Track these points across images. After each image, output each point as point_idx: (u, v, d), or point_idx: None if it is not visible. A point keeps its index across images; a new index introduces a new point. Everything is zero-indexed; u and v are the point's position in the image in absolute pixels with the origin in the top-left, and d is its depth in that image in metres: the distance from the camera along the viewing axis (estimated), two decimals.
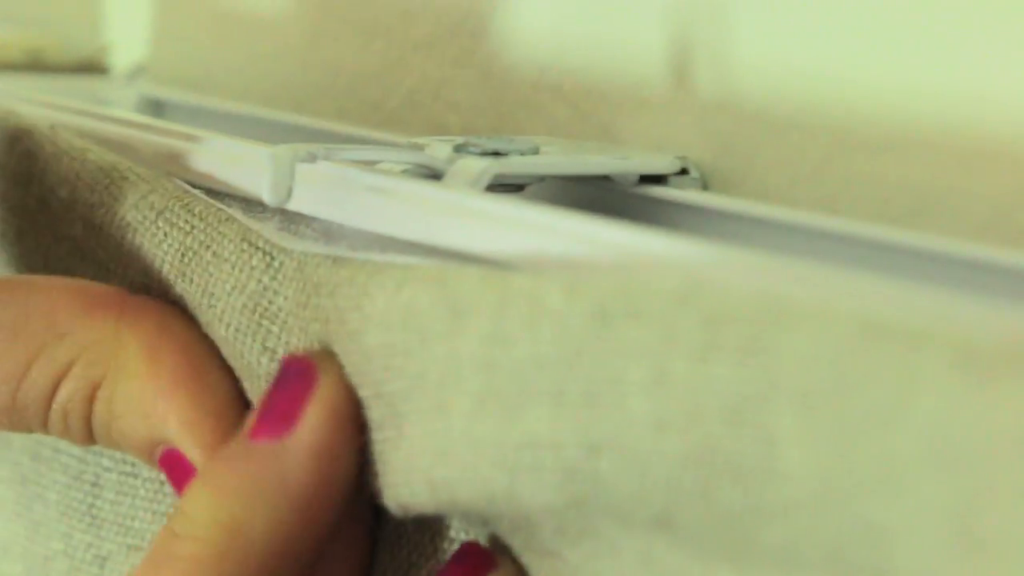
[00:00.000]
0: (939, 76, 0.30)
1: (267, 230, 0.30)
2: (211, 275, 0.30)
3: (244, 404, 0.30)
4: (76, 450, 0.34)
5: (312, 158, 0.29)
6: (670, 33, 0.34)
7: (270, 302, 0.29)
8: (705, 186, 0.33)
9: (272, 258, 0.29)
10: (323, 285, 0.29)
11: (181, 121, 0.41)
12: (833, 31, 0.32)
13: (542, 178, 0.32)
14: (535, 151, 0.31)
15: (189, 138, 0.34)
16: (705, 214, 0.31)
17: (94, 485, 0.34)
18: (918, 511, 0.20)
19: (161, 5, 0.49)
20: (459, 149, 0.31)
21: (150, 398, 0.30)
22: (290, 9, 0.45)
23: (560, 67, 0.37)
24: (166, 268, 0.31)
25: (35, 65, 0.49)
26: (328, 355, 0.28)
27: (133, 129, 0.36)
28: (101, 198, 0.32)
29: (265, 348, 0.29)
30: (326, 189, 0.30)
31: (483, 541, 0.28)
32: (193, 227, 0.31)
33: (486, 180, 0.30)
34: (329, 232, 0.30)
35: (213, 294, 0.30)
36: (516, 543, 0.27)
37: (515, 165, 0.31)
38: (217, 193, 0.32)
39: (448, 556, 0.28)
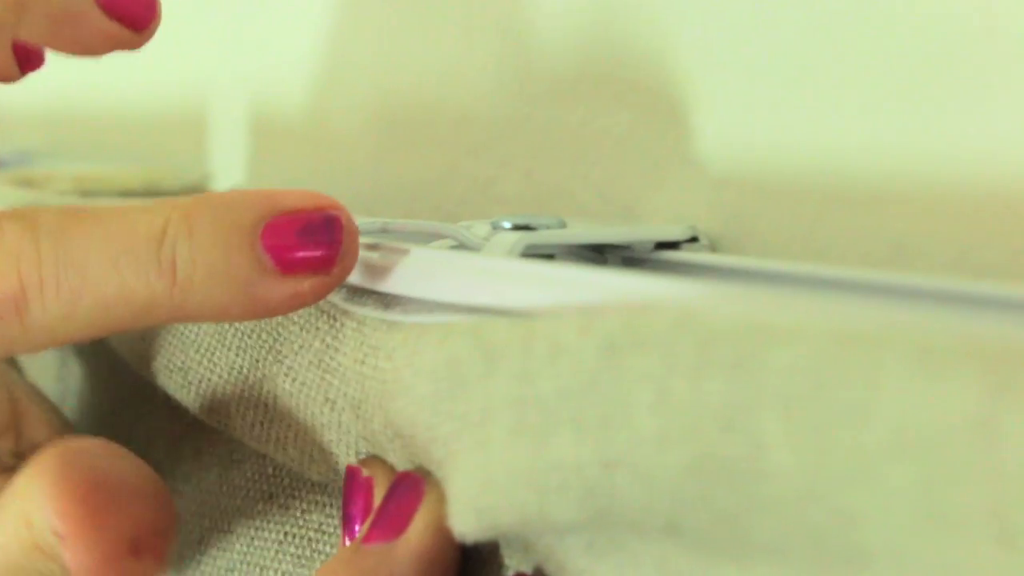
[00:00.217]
0: (905, 141, 0.30)
1: (332, 297, 0.30)
2: (279, 335, 0.30)
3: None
4: None
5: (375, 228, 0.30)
6: (679, 121, 0.34)
7: (331, 358, 0.30)
8: (713, 250, 0.33)
9: (335, 320, 0.30)
10: (380, 348, 0.29)
11: None
12: (817, 110, 0.32)
13: (568, 248, 0.32)
14: (562, 225, 0.32)
15: None
16: (710, 270, 0.31)
17: None
18: (888, 496, 0.20)
19: (253, 138, 0.50)
20: (495, 226, 0.31)
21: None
22: (360, 130, 0.45)
23: (587, 159, 0.37)
24: (240, 324, 0.31)
25: (152, 191, 0.50)
26: (432, 474, 0.27)
27: None
28: None
29: (327, 399, 0.30)
30: (387, 266, 0.30)
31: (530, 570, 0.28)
32: None
33: (518, 250, 0.30)
34: (386, 301, 0.30)
35: (281, 351, 0.30)
36: (552, 567, 0.27)
37: (544, 237, 0.31)
38: None
39: None
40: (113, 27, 0.30)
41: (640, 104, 0.36)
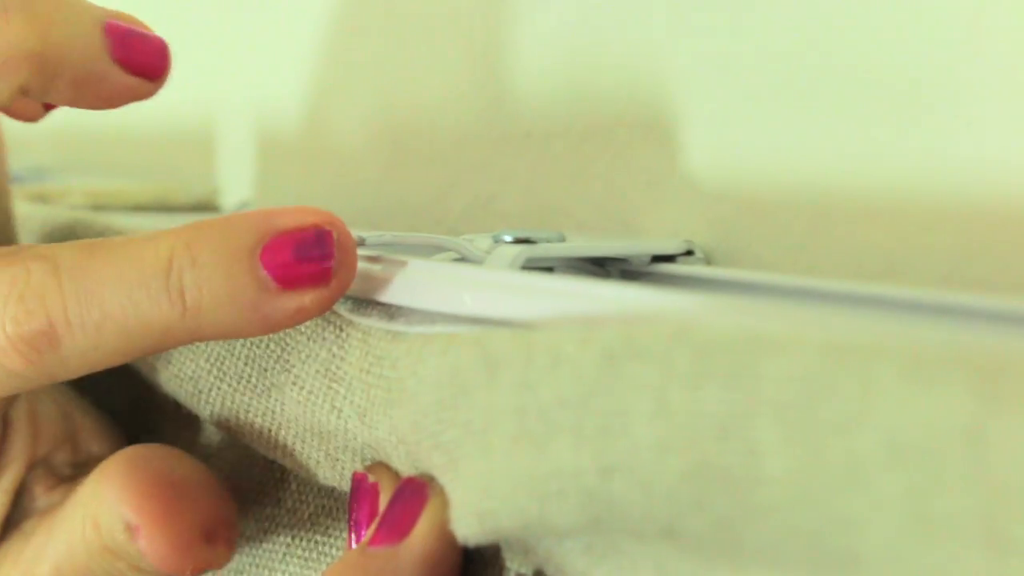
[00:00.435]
0: (896, 156, 0.30)
1: (338, 308, 0.30)
2: (287, 345, 0.31)
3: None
4: None
5: (362, 241, 0.30)
6: (675, 138, 0.35)
7: (337, 367, 0.30)
8: (709, 263, 0.33)
9: (341, 330, 0.30)
10: (385, 358, 0.29)
11: None
12: (809, 127, 0.32)
13: (568, 261, 0.32)
14: (561, 239, 0.32)
15: None
16: (706, 283, 0.31)
17: None
18: (880, 503, 0.20)
19: (260, 154, 0.50)
20: (497, 239, 0.31)
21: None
22: (364, 147, 0.45)
23: (586, 175, 0.37)
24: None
25: (161, 206, 0.50)
26: (435, 479, 0.28)
27: None
28: None
29: (334, 407, 0.30)
30: (391, 278, 0.30)
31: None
32: None
33: (519, 263, 0.30)
34: (390, 312, 0.30)
35: (289, 360, 0.30)
36: (551, 569, 0.27)
37: (544, 250, 0.31)
38: None
39: None
40: (132, 81, 0.31)
41: (637, 122, 0.36)
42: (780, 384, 0.21)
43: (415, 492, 0.27)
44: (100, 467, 0.32)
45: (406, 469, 0.29)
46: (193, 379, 0.33)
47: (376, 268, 0.30)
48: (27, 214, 0.38)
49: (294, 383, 0.30)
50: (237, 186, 0.51)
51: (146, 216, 0.48)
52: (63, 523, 0.32)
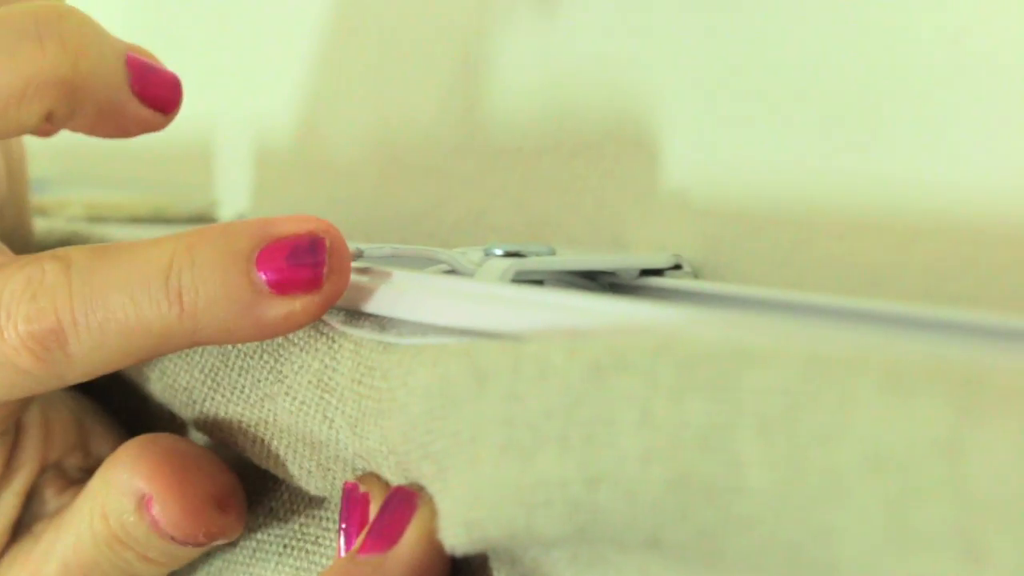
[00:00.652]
0: (879, 173, 0.30)
1: (331, 319, 0.30)
2: (280, 356, 0.31)
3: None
4: None
5: (360, 253, 0.30)
6: (664, 154, 0.35)
7: (329, 378, 0.30)
8: (696, 277, 0.33)
9: (333, 341, 0.30)
10: (376, 369, 0.29)
11: None
12: (795, 145, 0.32)
13: (557, 274, 0.32)
14: (551, 252, 0.32)
15: None
16: (693, 296, 0.31)
17: None
18: (860, 511, 0.20)
19: (257, 167, 0.50)
20: (488, 252, 0.31)
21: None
22: (358, 161, 0.45)
23: (576, 190, 0.37)
24: (241, 345, 0.31)
25: (159, 218, 0.50)
26: (425, 489, 0.28)
27: None
28: None
29: (325, 417, 0.30)
30: (383, 291, 0.31)
31: None
32: None
33: (509, 276, 0.30)
34: (382, 324, 0.30)
35: (281, 371, 0.30)
36: None
37: (534, 263, 0.31)
38: None
39: None
40: (148, 113, 0.32)
41: (626, 138, 0.36)
42: (762, 396, 0.21)
43: (404, 501, 0.28)
44: (109, 458, 0.32)
45: (396, 479, 0.29)
46: (187, 390, 0.33)
47: (365, 280, 0.30)
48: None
49: (287, 394, 0.30)
50: (234, 198, 0.51)
51: (143, 228, 0.48)
52: (71, 518, 0.32)
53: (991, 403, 0.19)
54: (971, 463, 0.19)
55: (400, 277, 0.30)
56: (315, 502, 0.33)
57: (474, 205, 0.40)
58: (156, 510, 0.31)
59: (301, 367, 0.30)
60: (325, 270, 0.29)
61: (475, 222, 0.40)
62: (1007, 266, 0.27)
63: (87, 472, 0.35)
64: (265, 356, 0.31)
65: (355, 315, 0.31)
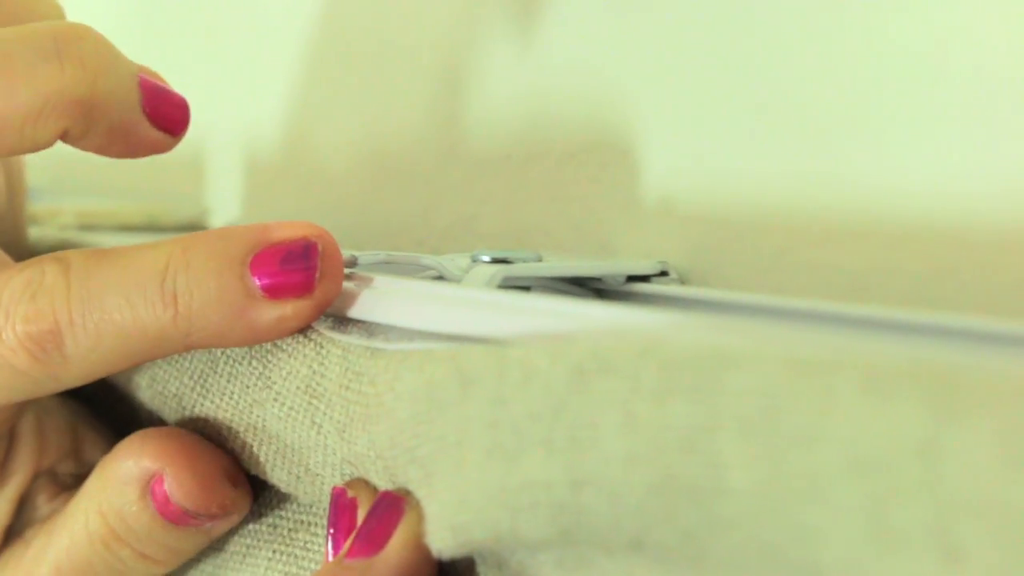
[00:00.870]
0: (861, 180, 0.30)
1: (319, 326, 0.30)
2: (269, 362, 0.31)
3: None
4: None
5: (355, 260, 0.30)
6: (650, 162, 0.35)
7: (318, 384, 0.30)
8: (683, 283, 0.33)
9: (321, 347, 0.30)
10: (364, 374, 0.29)
11: None
12: (779, 152, 0.32)
13: (544, 280, 0.32)
14: (538, 259, 0.32)
15: None
16: (678, 301, 0.31)
17: None
18: (839, 512, 0.20)
19: (248, 175, 0.50)
20: (475, 259, 0.32)
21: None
22: (348, 168, 0.46)
23: (564, 197, 0.37)
24: (230, 351, 0.32)
25: (151, 226, 0.50)
26: (412, 493, 0.28)
27: None
28: None
29: (314, 423, 0.30)
30: (370, 297, 0.31)
31: None
32: None
33: (496, 282, 0.30)
34: (370, 330, 0.30)
35: (270, 377, 0.30)
36: None
37: (520, 269, 0.31)
38: None
39: None
40: (158, 134, 0.32)
41: (613, 146, 0.36)
42: (743, 398, 0.21)
43: (391, 506, 0.28)
44: (105, 457, 0.32)
45: (384, 484, 0.29)
46: (177, 396, 0.33)
47: (353, 286, 0.30)
48: None
49: (275, 399, 0.30)
50: (225, 207, 0.51)
51: (135, 236, 0.48)
52: (64, 521, 0.32)
53: (968, 404, 0.19)
54: (948, 464, 0.19)
55: (387, 283, 0.30)
56: (304, 507, 0.33)
57: (463, 212, 0.41)
58: (169, 484, 0.31)
59: (290, 373, 0.30)
60: (317, 275, 0.29)
61: (464, 229, 0.40)
62: (987, 271, 0.27)
63: (80, 479, 0.35)
64: (254, 362, 0.31)
65: (343, 321, 0.31)
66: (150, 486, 0.31)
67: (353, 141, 0.45)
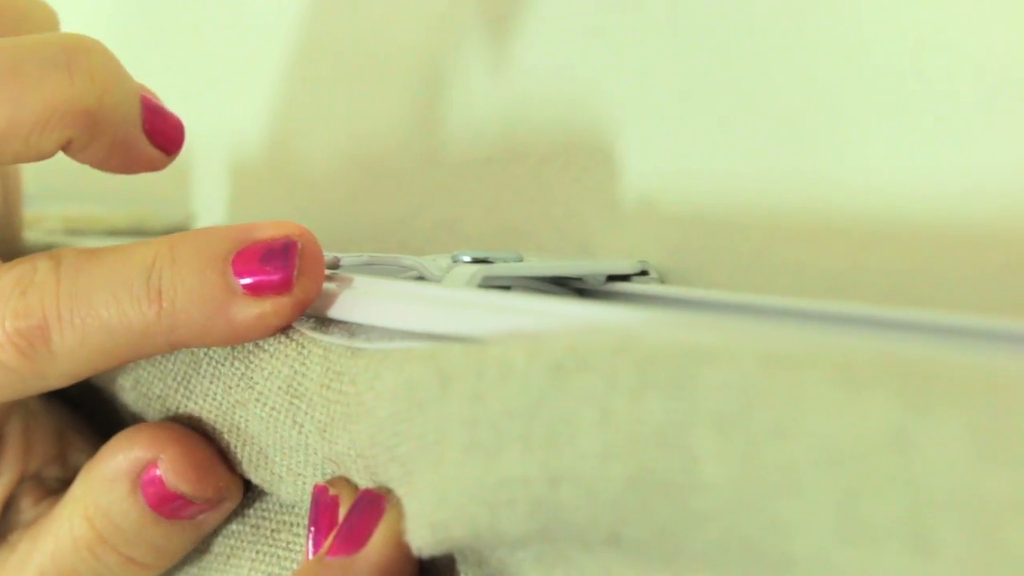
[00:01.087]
0: (840, 179, 0.30)
1: (301, 326, 0.30)
2: (251, 363, 0.31)
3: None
4: None
5: (337, 262, 0.30)
6: (631, 164, 0.35)
7: (299, 384, 0.30)
8: (663, 283, 0.33)
9: (303, 347, 0.30)
10: (344, 374, 0.29)
11: None
12: (757, 152, 0.32)
13: (524, 280, 0.32)
14: (519, 259, 0.32)
15: None
16: (657, 300, 0.31)
17: None
18: (812, 505, 0.20)
19: (234, 179, 0.50)
20: (456, 259, 0.32)
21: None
22: (332, 172, 0.46)
23: (545, 198, 0.37)
24: (212, 352, 0.32)
25: (138, 231, 0.50)
26: (392, 492, 0.28)
27: None
28: None
29: (295, 423, 0.30)
30: (351, 297, 0.31)
31: None
32: None
33: (476, 282, 0.30)
34: (351, 330, 0.30)
35: (252, 378, 0.30)
36: None
37: (500, 269, 0.31)
38: None
39: None
40: (154, 152, 0.32)
41: (594, 148, 0.36)
42: (717, 393, 0.21)
43: (371, 504, 0.28)
44: (90, 461, 0.32)
45: (365, 483, 0.29)
46: (161, 398, 0.33)
47: (333, 286, 0.30)
48: None
49: (257, 400, 0.30)
50: (210, 211, 0.51)
51: (122, 240, 0.48)
52: (50, 526, 0.32)
53: (940, 397, 0.19)
54: (920, 456, 0.19)
55: (367, 283, 0.30)
56: (287, 508, 0.33)
57: (446, 215, 0.41)
58: (164, 469, 0.31)
59: (271, 373, 0.30)
60: (295, 272, 0.29)
61: (447, 231, 0.41)
62: (961, 268, 0.28)
63: (65, 483, 0.34)
64: (236, 363, 0.31)
65: (325, 322, 0.31)
66: (141, 479, 0.31)
67: (337, 145, 0.45)
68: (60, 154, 0.31)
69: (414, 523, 0.26)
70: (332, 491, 0.30)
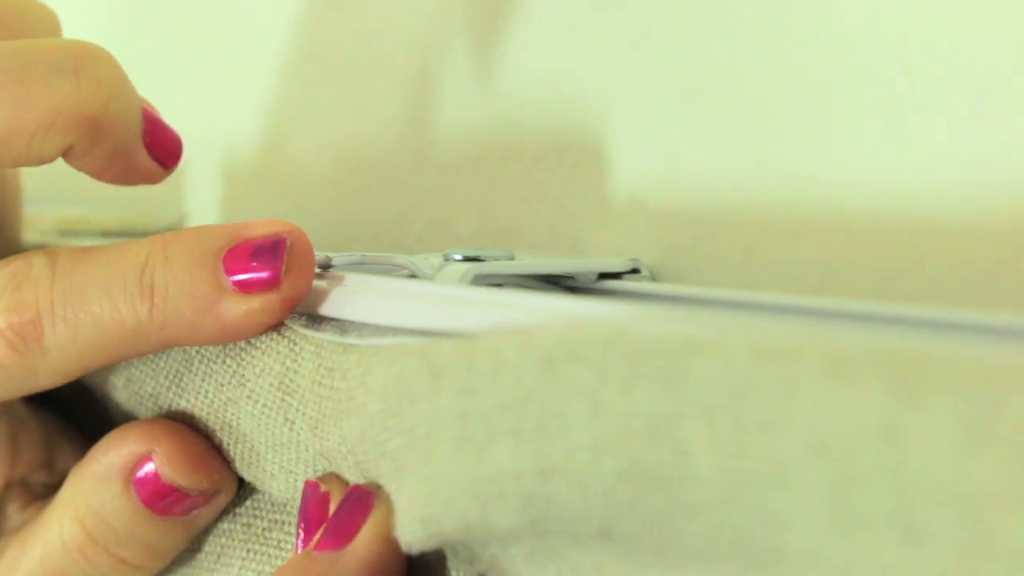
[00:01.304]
0: (830, 176, 0.30)
1: (293, 323, 0.30)
2: (243, 360, 0.31)
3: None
4: None
5: (329, 261, 0.30)
6: (621, 162, 0.35)
7: (291, 380, 0.30)
8: (654, 280, 0.33)
9: (294, 344, 0.30)
10: (336, 370, 0.29)
11: None
12: (748, 150, 0.32)
13: (516, 278, 0.32)
14: (510, 257, 0.32)
15: None
16: (649, 297, 0.31)
17: None
18: (804, 496, 0.20)
19: (226, 180, 0.50)
20: (447, 257, 0.32)
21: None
22: (327, 173, 0.46)
23: (537, 197, 0.37)
24: (204, 350, 0.32)
25: (128, 232, 0.50)
26: (382, 487, 0.28)
27: None
28: None
29: (287, 419, 0.30)
30: (343, 294, 0.31)
31: None
32: None
33: (467, 279, 0.30)
34: (343, 327, 0.30)
35: (244, 375, 0.30)
36: None
37: (491, 267, 0.31)
38: None
39: None
40: (152, 165, 0.32)
41: (585, 146, 0.36)
42: (708, 385, 0.21)
43: (360, 499, 0.28)
44: (79, 463, 0.32)
45: (355, 479, 0.29)
46: (153, 396, 0.33)
47: (325, 284, 0.30)
48: None
49: (249, 397, 0.30)
50: (203, 212, 0.51)
51: (115, 240, 0.48)
52: (38, 531, 0.32)
53: (929, 387, 0.19)
54: (909, 447, 0.19)
55: (359, 281, 0.30)
56: (278, 506, 0.33)
57: (439, 214, 0.41)
58: (159, 462, 0.31)
59: (263, 370, 0.30)
60: (283, 268, 0.29)
61: (440, 230, 0.40)
62: (950, 263, 0.28)
63: (52, 488, 0.34)
64: (228, 360, 0.31)
65: (317, 319, 0.31)
66: (133, 476, 0.31)
67: (329, 146, 0.45)
68: (58, 160, 0.31)
69: (404, 517, 0.26)
70: (323, 487, 0.29)
